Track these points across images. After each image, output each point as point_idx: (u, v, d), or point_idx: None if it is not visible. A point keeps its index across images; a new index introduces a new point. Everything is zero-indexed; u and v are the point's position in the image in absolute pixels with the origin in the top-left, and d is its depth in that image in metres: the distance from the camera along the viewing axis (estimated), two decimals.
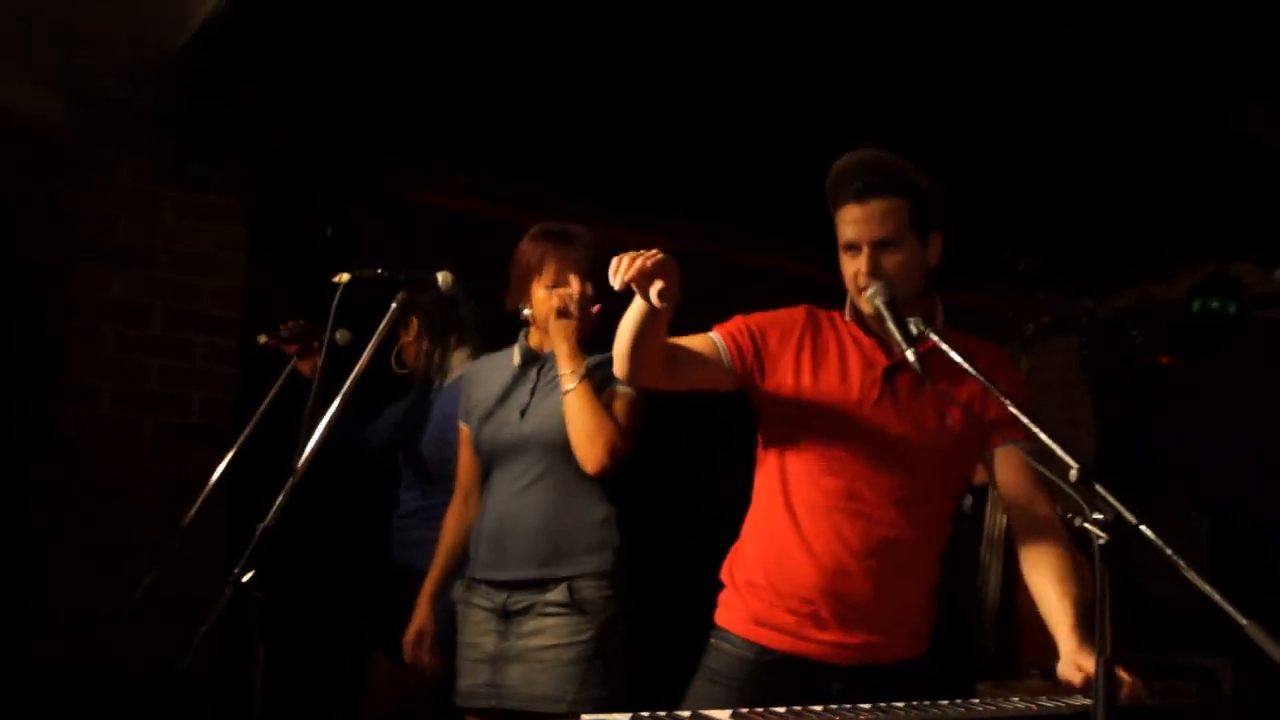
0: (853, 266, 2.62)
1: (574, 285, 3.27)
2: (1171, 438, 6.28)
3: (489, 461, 3.38)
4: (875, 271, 2.58)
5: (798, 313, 2.76)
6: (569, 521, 3.22)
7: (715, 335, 2.71)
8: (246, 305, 4.62)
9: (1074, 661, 2.39)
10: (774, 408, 2.71)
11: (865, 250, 2.59)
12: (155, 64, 4.36)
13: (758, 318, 2.74)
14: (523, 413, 3.31)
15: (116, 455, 4.35)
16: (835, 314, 2.76)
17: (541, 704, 3.10)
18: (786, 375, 2.68)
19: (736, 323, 2.73)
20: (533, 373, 3.37)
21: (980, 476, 4.43)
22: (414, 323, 4.00)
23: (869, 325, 2.69)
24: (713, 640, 2.73)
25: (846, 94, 4.39)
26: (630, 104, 4.56)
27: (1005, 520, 4.38)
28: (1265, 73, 4.25)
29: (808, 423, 2.66)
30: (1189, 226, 5.62)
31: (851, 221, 2.61)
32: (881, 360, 2.67)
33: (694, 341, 2.68)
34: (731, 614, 2.72)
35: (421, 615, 3.52)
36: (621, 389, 3.21)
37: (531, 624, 3.19)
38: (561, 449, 3.21)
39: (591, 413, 3.14)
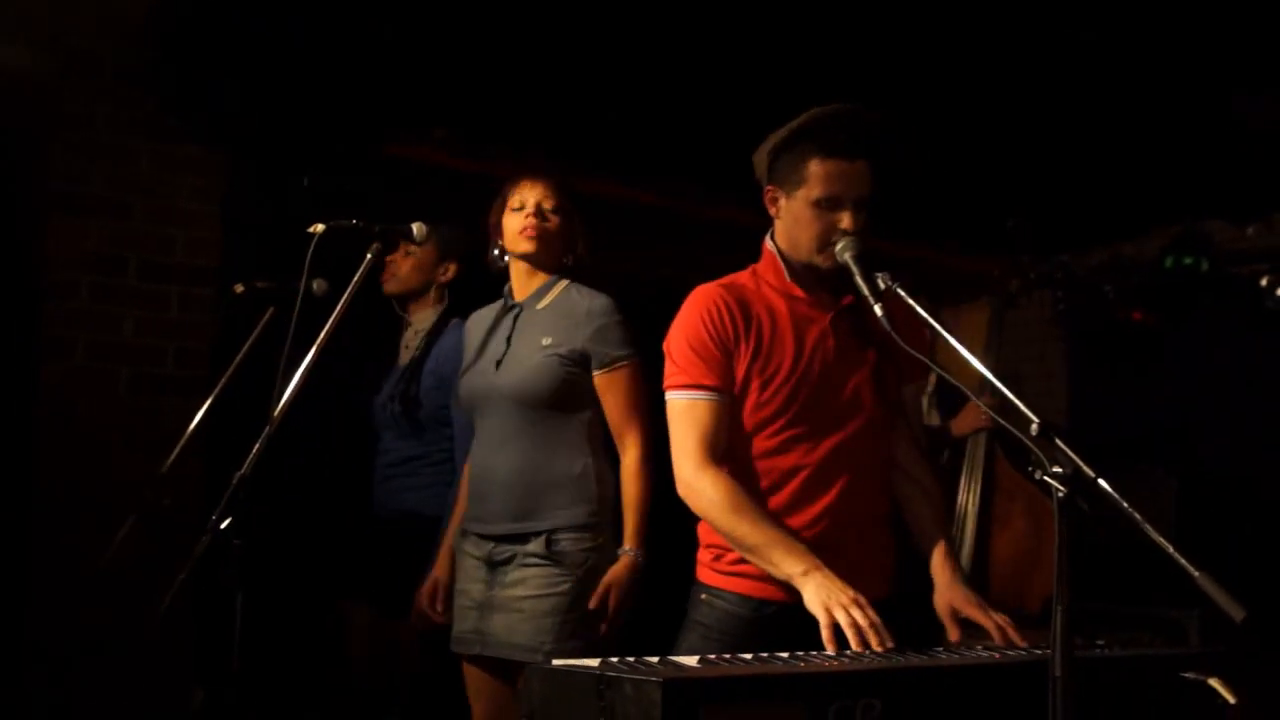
0: (824, 220, 2.61)
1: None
2: (1143, 394, 6.33)
3: (470, 413, 3.42)
4: (858, 230, 2.61)
5: (712, 302, 2.68)
6: (544, 476, 3.25)
7: (707, 396, 2.64)
8: (222, 256, 4.62)
9: (948, 599, 2.65)
10: (741, 393, 2.69)
11: (850, 208, 2.60)
12: (130, 16, 4.33)
13: (697, 342, 2.66)
14: (498, 363, 3.35)
15: (92, 406, 4.35)
16: (740, 279, 2.75)
17: (520, 653, 3.15)
18: (740, 366, 2.66)
19: (701, 364, 2.65)
20: (509, 320, 3.40)
21: (959, 430, 4.49)
22: (433, 249, 4.02)
23: (800, 278, 2.70)
24: (703, 597, 2.72)
25: (825, 54, 4.40)
26: (608, 57, 4.55)
27: (981, 473, 4.44)
28: (1240, 38, 4.27)
29: (771, 396, 2.66)
30: (1162, 184, 5.64)
31: (840, 176, 2.60)
32: (821, 315, 2.69)
33: (708, 418, 2.64)
34: (721, 571, 2.71)
35: (439, 566, 3.57)
36: (622, 364, 3.27)
37: (514, 574, 3.23)
38: (533, 402, 3.25)
39: (644, 501, 3.25)
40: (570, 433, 3.27)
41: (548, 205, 3.38)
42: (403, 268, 4.05)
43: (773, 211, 2.71)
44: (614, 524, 3.28)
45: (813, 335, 2.68)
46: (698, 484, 2.60)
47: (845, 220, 2.60)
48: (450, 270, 4.05)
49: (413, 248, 3.97)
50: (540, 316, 3.34)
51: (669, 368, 2.70)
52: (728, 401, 2.65)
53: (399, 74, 4.65)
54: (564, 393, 3.25)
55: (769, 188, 2.70)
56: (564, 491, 3.24)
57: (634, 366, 3.27)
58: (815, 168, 2.61)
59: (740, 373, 2.65)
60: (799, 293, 2.70)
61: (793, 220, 2.66)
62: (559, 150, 5.04)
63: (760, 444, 2.66)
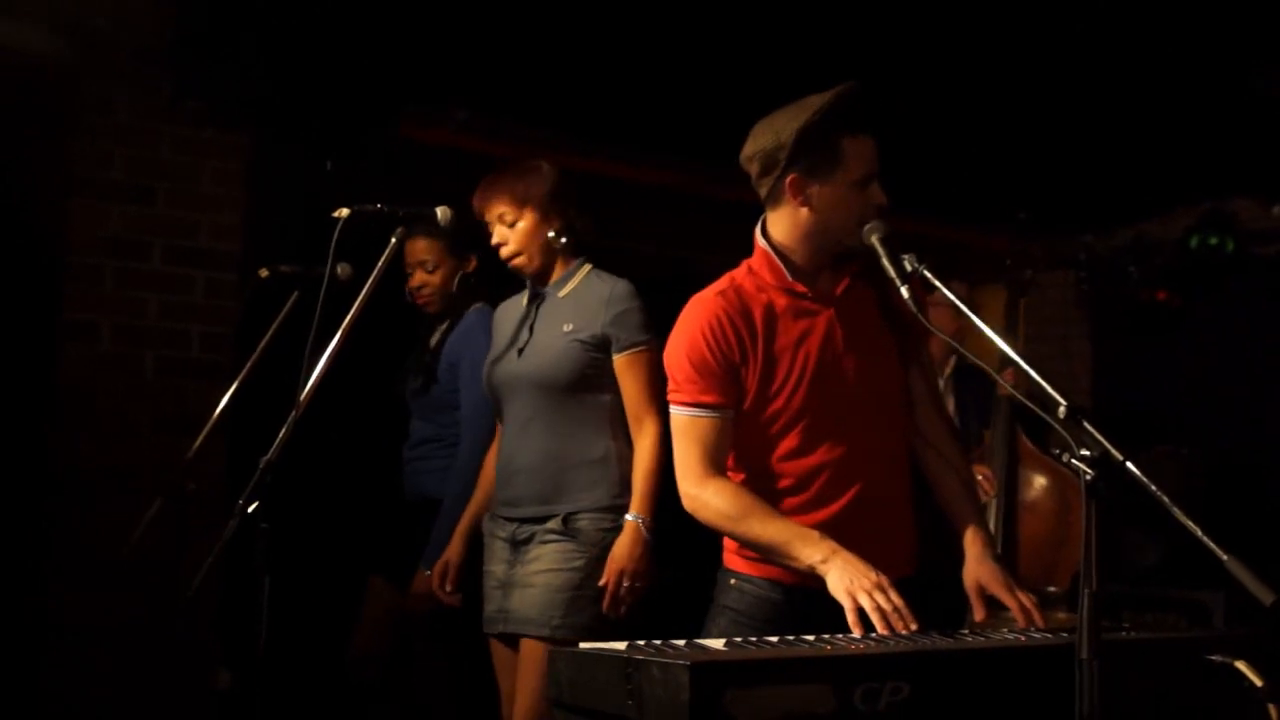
0: (862, 199, 2.57)
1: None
2: (1168, 374, 6.31)
3: (497, 400, 3.45)
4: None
5: (713, 315, 2.62)
6: (566, 459, 3.29)
7: (707, 414, 2.60)
8: (245, 240, 4.63)
9: (976, 574, 2.64)
10: (755, 402, 2.65)
11: (878, 183, 2.59)
12: (152, 0, 4.34)
13: (697, 358, 2.60)
14: (520, 351, 3.37)
15: (117, 390, 4.38)
16: (737, 279, 2.69)
17: (531, 627, 3.19)
18: (751, 377, 2.62)
19: (700, 380, 2.60)
20: (533, 309, 3.42)
21: None
22: (443, 255, 4.04)
23: (800, 273, 2.66)
24: (733, 582, 2.70)
25: (841, 35, 4.38)
26: (629, 38, 4.54)
27: (1005, 452, 4.41)
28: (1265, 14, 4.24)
29: (788, 401, 2.63)
30: (1187, 163, 5.61)
31: (871, 152, 2.58)
32: (824, 307, 2.65)
33: (709, 435, 2.60)
34: (749, 557, 2.68)
35: (452, 548, 3.63)
36: (641, 347, 3.26)
37: (533, 551, 3.27)
38: (553, 387, 3.28)
39: (655, 475, 3.20)
40: (592, 416, 3.30)
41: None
42: (432, 285, 4.05)
43: (797, 201, 2.60)
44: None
45: (820, 330, 2.64)
46: (702, 495, 2.59)
47: (879, 195, 2.58)
48: (473, 262, 4.05)
49: (428, 260, 4.02)
50: (562, 304, 3.36)
51: (669, 382, 2.67)
52: (730, 416, 2.61)
53: (418, 55, 4.65)
54: (585, 377, 3.28)
55: (794, 177, 2.58)
56: (586, 474, 3.28)
57: (652, 351, 3.25)
58: (850, 147, 2.55)
59: (753, 383, 2.61)
60: (800, 288, 2.65)
61: (830, 205, 2.58)
62: (577, 131, 5.05)
63: (783, 446, 2.64)
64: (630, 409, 3.29)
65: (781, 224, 2.66)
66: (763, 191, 2.66)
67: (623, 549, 3.18)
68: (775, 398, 2.62)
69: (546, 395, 3.30)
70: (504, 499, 3.39)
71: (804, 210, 2.61)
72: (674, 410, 2.66)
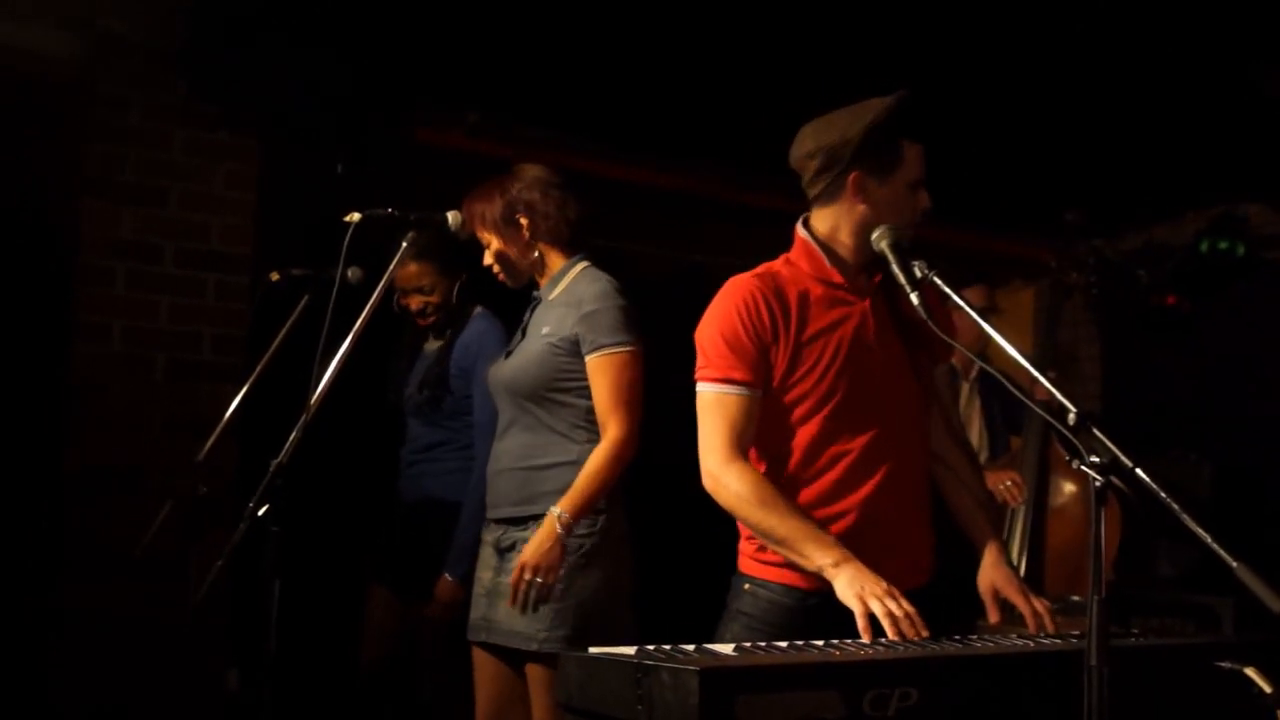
0: (913, 201, 2.67)
1: None
2: (1177, 378, 6.30)
3: (494, 403, 3.45)
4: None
5: (749, 293, 2.64)
6: (540, 462, 3.28)
7: (736, 390, 2.61)
8: (257, 242, 4.64)
9: (990, 578, 2.71)
10: (782, 384, 2.66)
11: (924, 189, 2.68)
12: (166, 2, 4.35)
13: (730, 334, 2.62)
14: (509, 355, 3.41)
15: (128, 392, 4.39)
16: (774, 268, 2.72)
17: (517, 640, 3.19)
18: (780, 359, 2.64)
19: (732, 356, 2.61)
20: (529, 315, 3.44)
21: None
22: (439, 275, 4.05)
23: (840, 265, 2.70)
24: (747, 587, 2.70)
25: (866, 44, 4.38)
26: (642, 41, 4.54)
27: (1035, 460, 4.42)
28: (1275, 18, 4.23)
29: (814, 386, 2.64)
30: (1198, 167, 5.60)
31: (921, 160, 2.68)
32: (859, 300, 2.69)
33: (737, 412, 2.61)
34: (766, 561, 2.68)
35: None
36: (608, 350, 3.22)
37: (514, 561, 3.24)
38: (525, 391, 3.28)
39: (597, 478, 3.18)
40: (564, 420, 3.28)
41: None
42: (434, 304, 4.07)
43: (857, 198, 2.64)
44: (611, 508, 3.28)
45: (852, 321, 2.67)
46: (724, 477, 2.58)
47: (926, 199, 2.67)
48: (464, 275, 4.06)
49: (424, 284, 4.04)
50: (549, 307, 3.36)
51: (699, 359, 2.67)
52: (758, 396, 2.62)
53: (430, 59, 4.65)
54: (554, 381, 3.26)
55: (857, 174, 2.62)
56: (559, 478, 3.25)
57: (625, 355, 3.22)
58: (909, 151, 2.65)
59: (781, 365, 2.62)
60: (837, 278, 2.69)
61: (886, 204, 2.65)
62: (590, 135, 5.05)
63: (804, 433, 2.64)
64: (597, 412, 3.24)
65: (831, 220, 2.70)
66: (816, 189, 2.69)
67: (533, 544, 3.16)
68: (803, 381, 2.63)
69: (520, 399, 3.31)
70: (490, 501, 3.41)
71: (861, 207, 2.66)
72: (701, 387, 2.65)
